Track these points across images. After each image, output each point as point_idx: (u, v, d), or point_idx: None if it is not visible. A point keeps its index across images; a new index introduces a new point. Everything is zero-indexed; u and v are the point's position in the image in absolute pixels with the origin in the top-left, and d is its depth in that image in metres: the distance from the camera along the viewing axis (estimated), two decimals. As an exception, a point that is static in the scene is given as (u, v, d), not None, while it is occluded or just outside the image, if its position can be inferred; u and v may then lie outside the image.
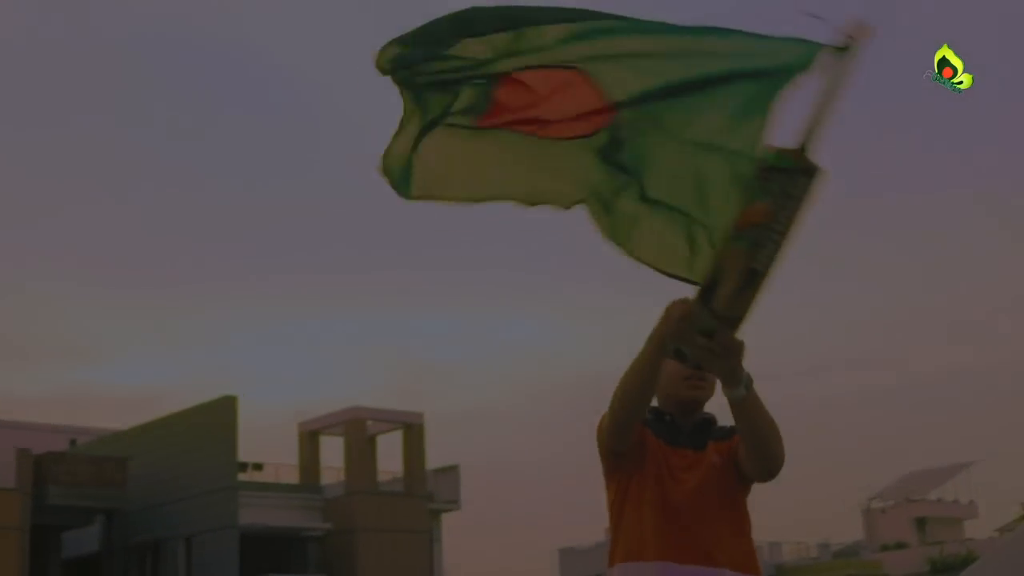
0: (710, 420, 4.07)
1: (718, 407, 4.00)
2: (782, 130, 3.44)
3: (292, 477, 48.38)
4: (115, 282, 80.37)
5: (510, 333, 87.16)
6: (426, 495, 47.26)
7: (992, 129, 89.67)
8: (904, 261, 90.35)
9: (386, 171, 3.74)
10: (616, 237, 3.70)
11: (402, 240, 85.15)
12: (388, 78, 3.64)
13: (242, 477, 44.56)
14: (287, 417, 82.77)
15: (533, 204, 3.73)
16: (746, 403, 3.66)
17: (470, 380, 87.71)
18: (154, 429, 44.60)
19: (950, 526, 71.71)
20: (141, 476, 42.59)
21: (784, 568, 67.10)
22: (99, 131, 77.58)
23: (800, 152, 3.35)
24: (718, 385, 3.81)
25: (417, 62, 3.61)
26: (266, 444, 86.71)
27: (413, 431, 46.59)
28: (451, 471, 50.11)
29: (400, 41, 3.61)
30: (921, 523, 72.04)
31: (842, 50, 3.35)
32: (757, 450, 3.79)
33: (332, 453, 47.64)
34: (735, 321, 3.43)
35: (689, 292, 3.52)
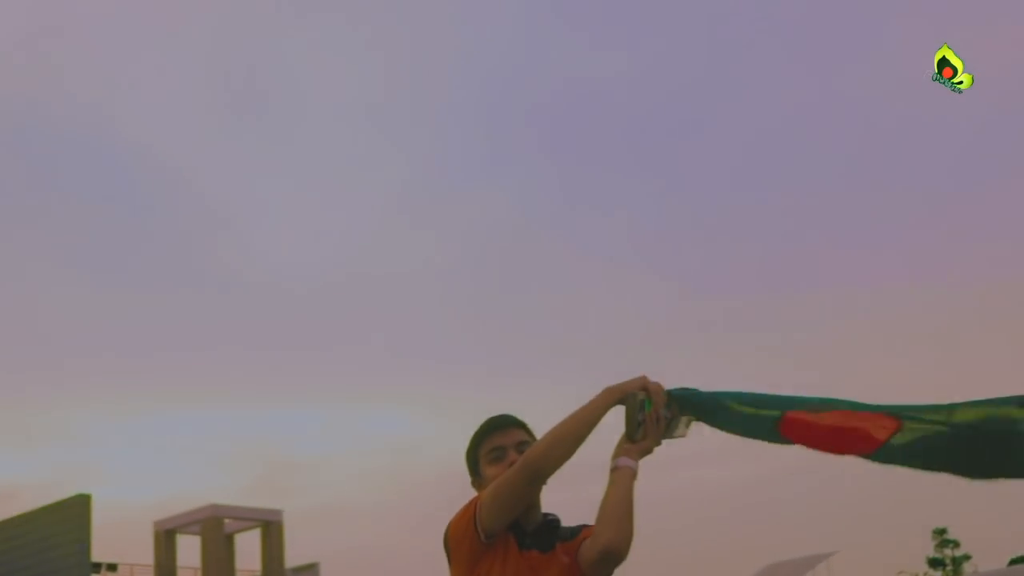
0: (555, 521, 4.04)
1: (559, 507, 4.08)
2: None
3: (147, 577, 47.46)
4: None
5: (371, 427, 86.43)
6: (285, 593, 46.65)
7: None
8: (784, 350, 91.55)
9: None
10: None
11: (260, 333, 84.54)
12: None
13: (96, 578, 43.58)
14: (143, 515, 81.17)
15: None
16: (631, 477, 3.86)
17: (330, 475, 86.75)
18: (5, 529, 43.40)
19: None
20: (-7, 576, 41.45)
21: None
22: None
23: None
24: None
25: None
26: (121, 543, 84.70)
27: (272, 528, 46.04)
28: (311, 569, 49.50)
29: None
30: (784, 615, 72.56)
31: None
32: (610, 520, 3.79)
33: (189, 552, 46.88)
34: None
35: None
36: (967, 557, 63.49)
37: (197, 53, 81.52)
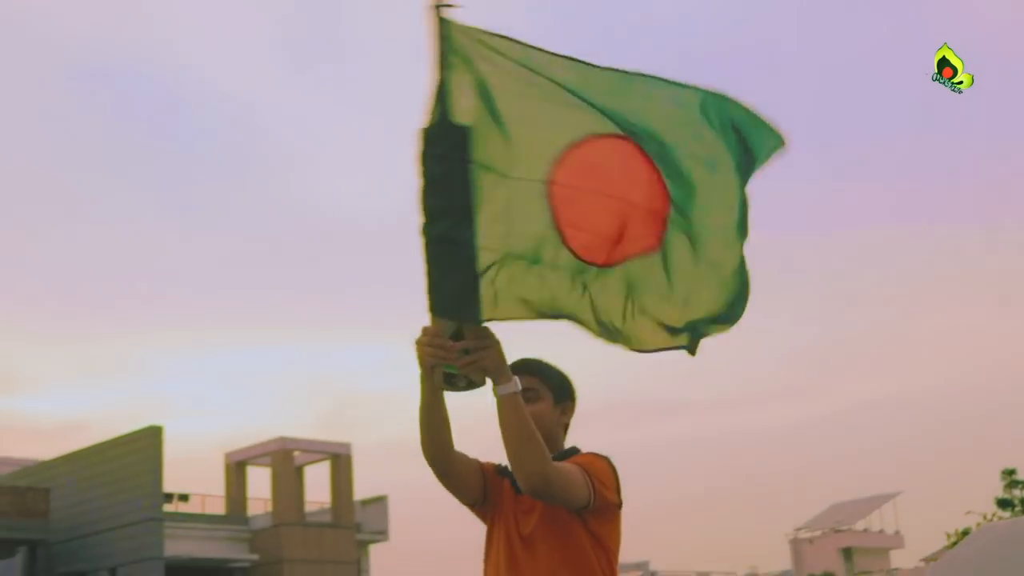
0: (560, 455, 4.04)
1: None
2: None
3: (218, 508, 47.99)
4: (37, 309, 79.50)
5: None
6: (354, 526, 47.03)
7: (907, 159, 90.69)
8: (826, 292, 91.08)
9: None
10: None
11: (329, 268, 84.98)
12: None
13: (168, 508, 44.14)
14: (213, 448, 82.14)
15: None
16: (511, 402, 3.67)
17: (398, 410, 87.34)
18: (78, 459, 44.04)
19: (876, 556, 72.24)
20: (65, 507, 42.06)
21: (712, 598, 67.34)
22: (24, 154, 76.88)
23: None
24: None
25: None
26: (192, 475, 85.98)
27: (341, 462, 46.39)
28: (379, 502, 49.89)
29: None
30: (848, 553, 72.49)
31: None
32: (510, 457, 3.73)
33: (259, 484, 47.38)
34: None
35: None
36: (1036, 498, 63.25)
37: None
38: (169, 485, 43.32)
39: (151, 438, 41.28)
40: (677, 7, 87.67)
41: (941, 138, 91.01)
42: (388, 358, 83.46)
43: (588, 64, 3.66)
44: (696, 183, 3.71)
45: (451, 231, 3.48)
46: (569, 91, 3.63)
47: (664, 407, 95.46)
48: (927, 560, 61.47)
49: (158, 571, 40.12)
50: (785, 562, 73.73)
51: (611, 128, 3.67)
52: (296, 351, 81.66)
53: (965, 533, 43.85)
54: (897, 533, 75.74)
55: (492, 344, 3.64)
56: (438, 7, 3.56)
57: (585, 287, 3.75)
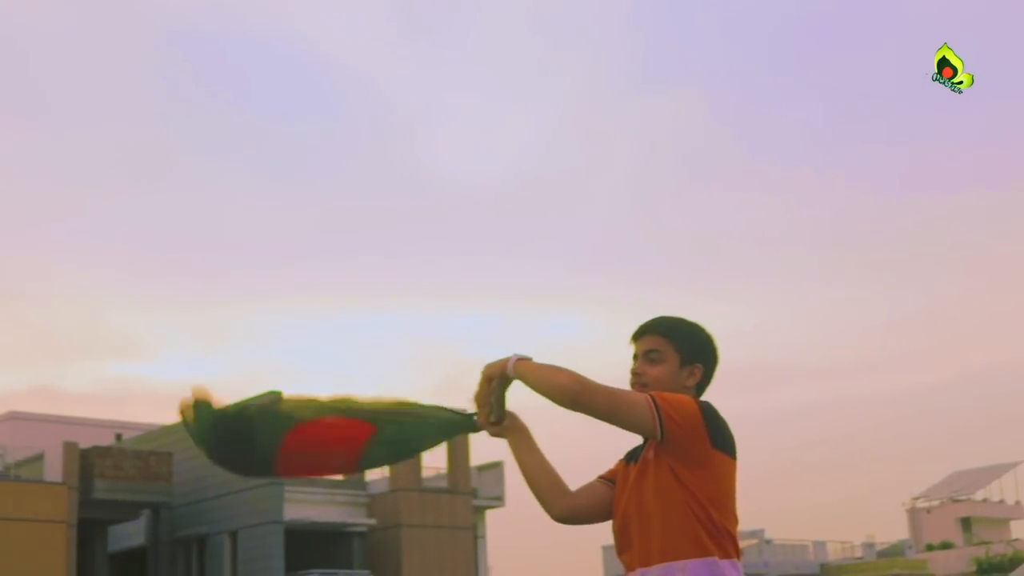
0: None
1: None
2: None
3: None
4: (161, 276, 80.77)
5: (548, 329, 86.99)
6: (471, 491, 47.25)
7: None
8: (947, 260, 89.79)
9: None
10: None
11: (446, 236, 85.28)
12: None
13: (287, 472, 44.54)
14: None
15: None
16: (520, 370, 3.86)
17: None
18: (199, 425, 44.68)
19: (996, 526, 71.29)
20: (186, 471, 42.72)
21: (829, 567, 66.81)
22: (139, 125, 77.91)
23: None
24: None
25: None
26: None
27: (458, 427, 46.55)
28: (496, 467, 50.05)
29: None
30: (967, 523, 71.68)
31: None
32: (548, 399, 3.82)
33: (376, 449, 47.62)
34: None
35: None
36: None
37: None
38: (289, 450, 43.67)
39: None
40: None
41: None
42: (503, 323, 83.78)
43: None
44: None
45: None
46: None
47: (779, 375, 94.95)
48: (1049, 531, 60.57)
49: (277, 534, 40.66)
50: (902, 532, 73.06)
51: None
52: (412, 317, 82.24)
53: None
54: (1018, 503, 74.75)
55: (481, 373, 3.96)
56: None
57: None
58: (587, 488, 4.08)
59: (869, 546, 69.14)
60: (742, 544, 3.89)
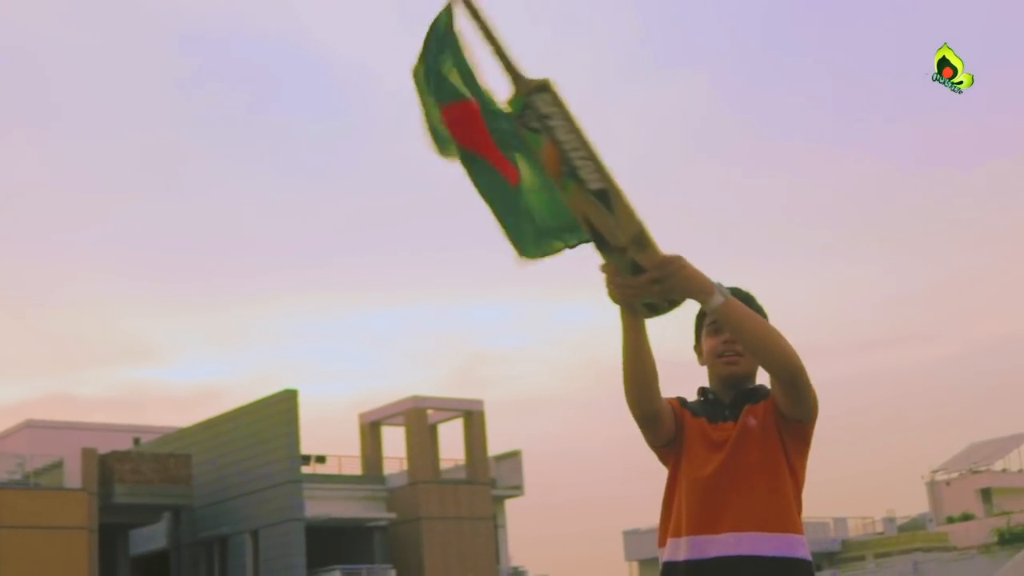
0: (754, 390, 3.99)
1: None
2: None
3: (355, 468, 48.57)
4: (173, 281, 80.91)
5: (566, 318, 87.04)
6: (489, 482, 47.35)
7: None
8: (961, 232, 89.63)
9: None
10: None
11: (457, 229, 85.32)
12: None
13: (305, 470, 44.73)
14: (348, 409, 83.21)
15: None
16: (727, 310, 3.66)
17: (528, 366, 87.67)
18: (217, 425, 44.85)
19: (1016, 496, 71.15)
20: (206, 472, 42.88)
21: (850, 543, 66.83)
22: (150, 131, 78.02)
23: (518, 83, 3.60)
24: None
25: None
26: (328, 436, 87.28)
27: (474, 418, 46.66)
28: (513, 457, 50.17)
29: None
30: (986, 494, 71.57)
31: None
32: (761, 357, 3.74)
33: (394, 443, 47.88)
34: (639, 240, 3.49)
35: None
36: None
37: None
38: (306, 447, 43.93)
39: (286, 402, 41.89)
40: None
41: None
42: (515, 314, 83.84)
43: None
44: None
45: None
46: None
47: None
48: (1069, 499, 60.56)
49: (299, 532, 40.77)
50: (923, 505, 73.00)
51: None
52: (425, 311, 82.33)
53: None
54: (1037, 473, 74.62)
55: (677, 268, 3.56)
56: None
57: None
58: (665, 402, 3.95)
59: (890, 521, 69.13)
60: None
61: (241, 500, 42.23)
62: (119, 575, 43.14)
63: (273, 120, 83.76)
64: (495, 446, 48.57)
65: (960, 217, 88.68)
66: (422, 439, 45.75)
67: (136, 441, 51.98)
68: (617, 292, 3.61)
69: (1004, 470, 73.90)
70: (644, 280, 3.53)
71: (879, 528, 69.38)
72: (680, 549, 3.86)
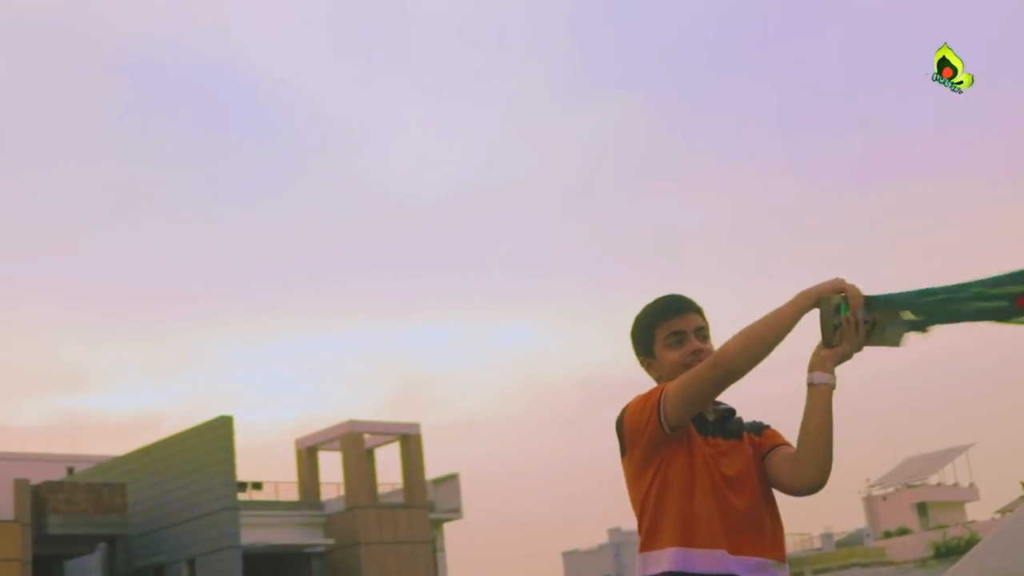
0: (732, 410, 4.00)
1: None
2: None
3: (292, 494, 48.32)
4: (108, 309, 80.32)
5: (502, 339, 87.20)
6: (427, 505, 47.25)
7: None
8: (892, 248, 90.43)
9: None
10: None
11: (395, 251, 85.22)
12: None
13: (242, 497, 44.48)
14: (285, 435, 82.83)
15: None
16: (830, 394, 3.82)
17: (466, 388, 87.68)
18: (152, 453, 44.51)
19: (952, 510, 71.87)
20: (141, 501, 42.53)
21: (789, 559, 67.01)
22: (83, 160, 77.48)
23: None
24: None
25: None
26: (265, 463, 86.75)
27: (411, 442, 46.58)
28: (451, 480, 50.09)
29: None
30: (923, 508, 72.20)
31: None
32: (816, 451, 3.81)
33: (331, 468, 47.66)
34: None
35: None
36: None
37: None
38: (242, 474, 43.68)
39: (222, 428, 41.64)
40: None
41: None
42: (453, 337, 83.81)
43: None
44: None
45: None
46: None
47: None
48: (1003, 511, 61.11)
49: (236, 560, 40.49)
50: (860, 520, 73.51)
51: None
52: (359, 335, 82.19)
53: (1041, 482, 43.63)
54: (972, 485, 75.34)
55: (860, 336, 3.82)
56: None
57: None
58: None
59: (827, 536, 69.51)
60: None
61: (177, 528, 41.90)
62: (54, 607, 42.68)
63: (206, 141, 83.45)
64: (433, 469, 48.56)
65: (893, 233, 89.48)
66: (359, 464, 45.60)
67: (70, 471, 51.47)
68: (851, 296, 3.78)
69: (939, 484, 74.55)
70: (857, 316, 3.80)
71: (817, 544, 69.74)
72: (698, 560, 3.73)
